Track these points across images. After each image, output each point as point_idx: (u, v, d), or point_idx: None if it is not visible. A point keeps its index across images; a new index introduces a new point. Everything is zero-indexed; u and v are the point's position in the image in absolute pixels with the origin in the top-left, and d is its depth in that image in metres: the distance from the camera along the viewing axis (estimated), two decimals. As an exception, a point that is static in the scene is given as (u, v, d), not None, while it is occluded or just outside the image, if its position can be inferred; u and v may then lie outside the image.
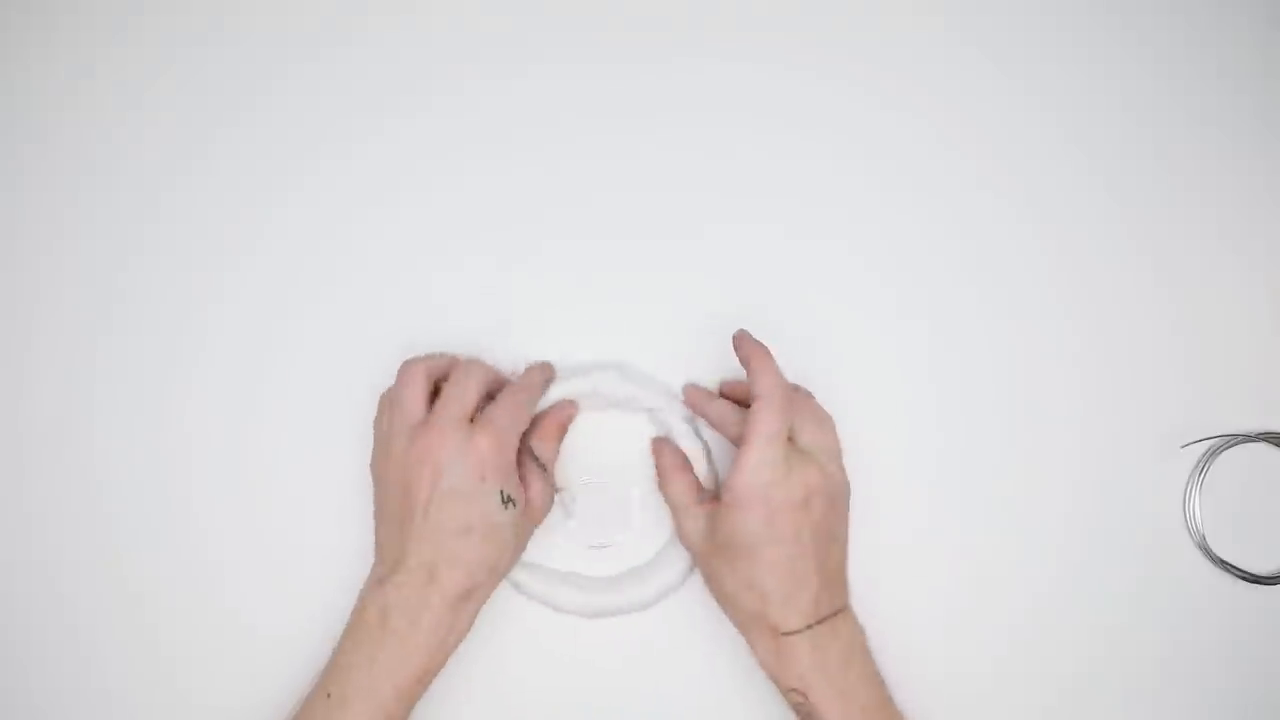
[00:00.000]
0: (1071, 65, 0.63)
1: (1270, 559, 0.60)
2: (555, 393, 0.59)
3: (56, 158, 0.62)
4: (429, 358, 0.57)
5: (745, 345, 0.54)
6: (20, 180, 0.61)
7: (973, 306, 0.61)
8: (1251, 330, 0.61)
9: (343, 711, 0.52)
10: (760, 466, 0.51)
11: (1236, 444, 0.60)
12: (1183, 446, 0.60)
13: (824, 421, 0.55)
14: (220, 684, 0.58)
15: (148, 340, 0.60)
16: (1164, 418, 0.60)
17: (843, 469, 0.55)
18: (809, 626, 0.52)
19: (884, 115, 0.62)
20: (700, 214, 0.61)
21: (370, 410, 0.57)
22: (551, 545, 0.59)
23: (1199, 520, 0.60)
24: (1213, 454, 0.60)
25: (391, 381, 0.56)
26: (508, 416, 0.54)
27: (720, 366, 0.60)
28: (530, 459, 0.57)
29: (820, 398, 0.57)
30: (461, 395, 0.54)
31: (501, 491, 0.53)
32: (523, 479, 0.55)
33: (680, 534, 0.57)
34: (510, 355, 0.60)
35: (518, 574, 0.58)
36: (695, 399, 0.59)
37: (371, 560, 0.56)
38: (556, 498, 0.58)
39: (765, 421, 0.52)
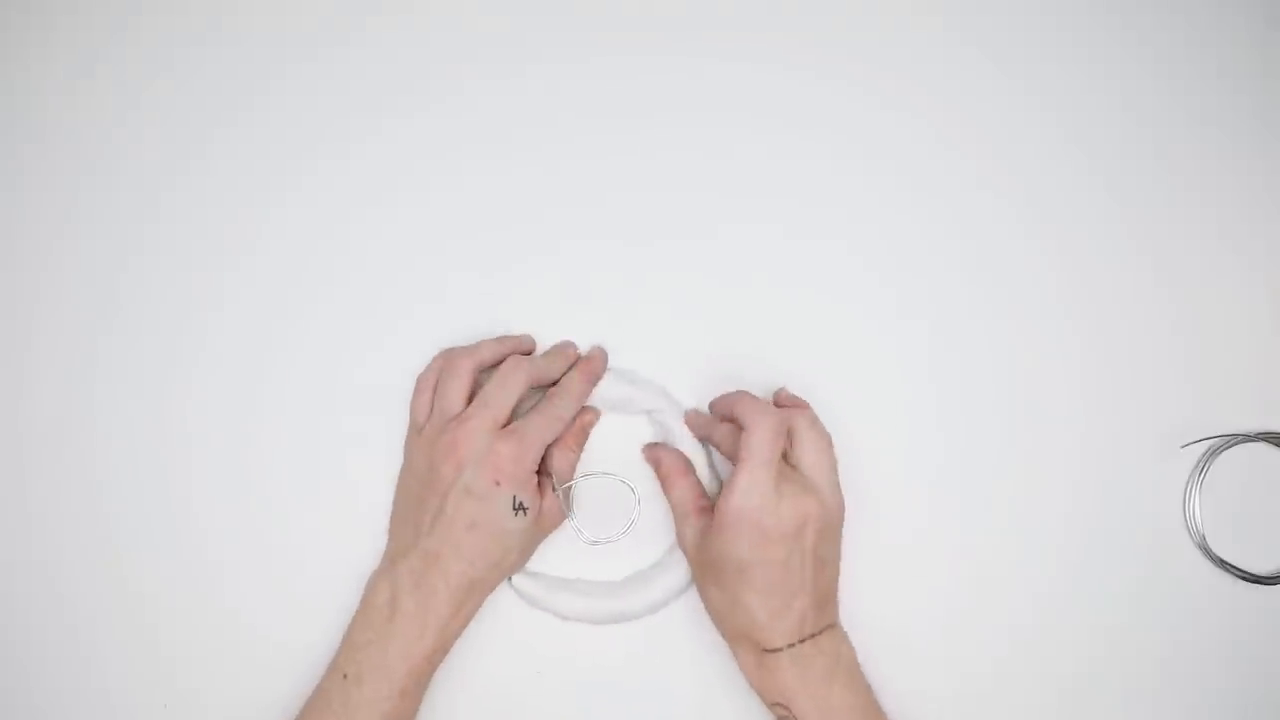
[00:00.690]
0: (1071, 65, 0.63)
1: (1270, 559, 0.60)
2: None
3: (56, 158, 0.62)
4: (475, 349, 0.57)
5: (719, 402, 0.56)
6: (20, 180, 0.62)
7: (973, 306, 0.61)
8: (1251, 330, 0.61)
9: (359, 689, 0.52)
10: (750, 490, 0.52)
11: (1236, 444, 0.60)
12: (1183, 446, 0.60)
13: (821, 441, 0.55)
14: (220, 684, 0.58)
15: (148, 340, 0.60)
16: (1164, 418, 0.60)
17: (839, 490, 0.55)
18: (791, 645, 0.53)
19: (883, 115, 0.62)
20: (699, 214, 0.61)
21: (370, 410, 0.58)
22: (556, 550, 0.59)
23: (1199, 520, 0.60)
24: (1213, 454, 0.60)
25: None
26: (537, 431, 0.55)
27: (720, 366, 0.60)
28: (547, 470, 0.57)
29: (820, 398, 0.57)
30: (499, 399, 0.55)
31: (514, 498, 0.54)
32: (540, 487, 0.56)
33: (679, 538, 0.57)
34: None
35: (521, 582, 0.58)
36: (698, 426, 0.59)
37: (371, 561, 0.56)
38: (559, 492, 0.58)
39: (753, 447, 0.52)
